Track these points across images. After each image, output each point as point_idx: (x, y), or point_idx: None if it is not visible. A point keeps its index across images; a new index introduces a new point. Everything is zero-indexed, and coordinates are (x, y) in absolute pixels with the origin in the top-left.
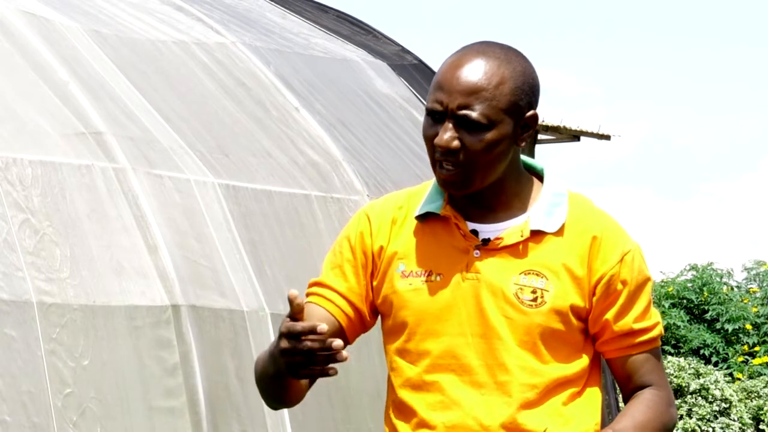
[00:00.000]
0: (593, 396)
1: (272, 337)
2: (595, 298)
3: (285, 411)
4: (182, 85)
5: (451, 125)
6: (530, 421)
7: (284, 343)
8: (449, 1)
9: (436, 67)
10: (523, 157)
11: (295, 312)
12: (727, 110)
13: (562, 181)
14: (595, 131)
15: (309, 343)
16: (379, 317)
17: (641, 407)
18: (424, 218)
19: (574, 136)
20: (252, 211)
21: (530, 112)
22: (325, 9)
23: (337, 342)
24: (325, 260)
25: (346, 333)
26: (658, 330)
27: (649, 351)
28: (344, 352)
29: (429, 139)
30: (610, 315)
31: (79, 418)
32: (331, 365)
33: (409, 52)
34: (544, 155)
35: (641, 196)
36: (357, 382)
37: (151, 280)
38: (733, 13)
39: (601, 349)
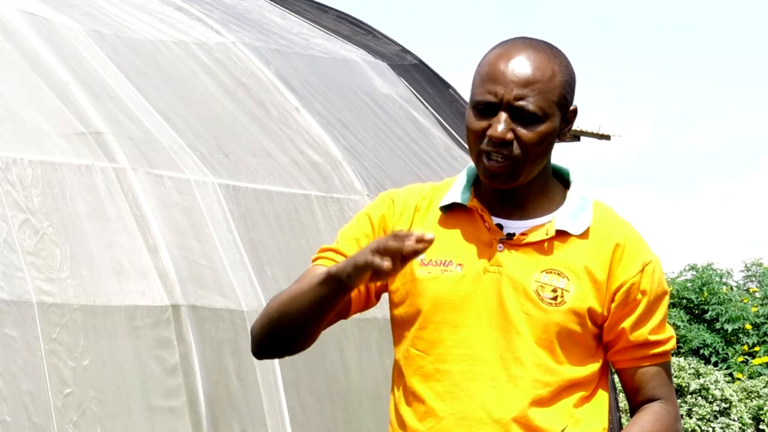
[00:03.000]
0: (602, 400)
1: None
2: (613, 305)
3: (285, 410)
4: (182, 85)
5: (505, 117)
6: (542, 417)
7: (390, 242)
8: (449, 1)
9: (436, 67)
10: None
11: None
12: (729, 110)
13: (587, 187)
14: (595, 131)
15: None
16: (389, 304)
17: (650, 418)
18: (449, 209)
19: (574, 136)
20: (252, 211)
21: (572, 107)
22: (325, 9)
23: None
24: (341, 231)
25: (351, 304)
26: (672, 344)
27: (661, 364)
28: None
29: (477, 131)
30: (627, 324)
31: (79, 418)
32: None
33: (409, 52)
34: None
35: (642, 196)
36: (357, 382)
37: (151, 280)
38: (734, 13)
39: (613, 358)
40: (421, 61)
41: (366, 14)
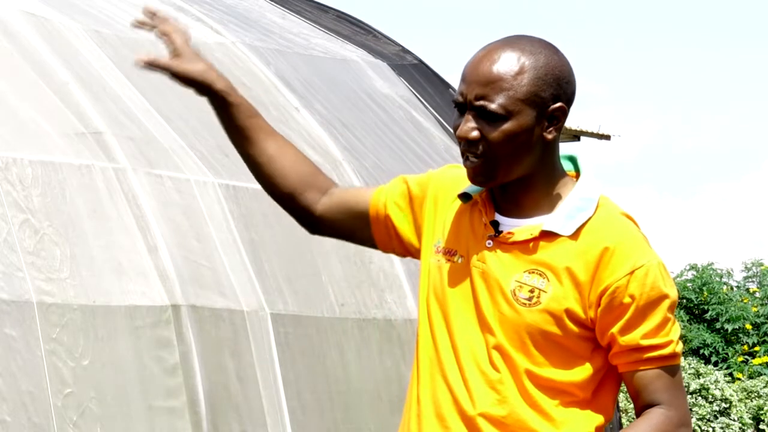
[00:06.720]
0: (595, 407)
1: (272, 337)
2: (599, 309)
3: (285, 410)
4: None
5: (471, 116)
6: (509, 415)
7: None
8: (449, 1)
9: (436, 67)
10: (565, 155)
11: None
12: (730, 110)
13: (597, 187)
14: (595, 131)
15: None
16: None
17: (644, 426)
18: (467, 199)
19: (574, 136)
20: (252, 211)
21: (556, 105)
22: (325, 9)
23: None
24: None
25: (371, 224)
26: (672, 348)
27: (662, 368)
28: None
29: (454, 132)
30: (615, 329)
31: (79, 418)
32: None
33: (409, 52)
34: None
35: (642, 196)
36: (357, 382)
37: (151, 280)
38: (735, 12)
39: (612, 362)
40: (421, 61)
41: (366, 14)
